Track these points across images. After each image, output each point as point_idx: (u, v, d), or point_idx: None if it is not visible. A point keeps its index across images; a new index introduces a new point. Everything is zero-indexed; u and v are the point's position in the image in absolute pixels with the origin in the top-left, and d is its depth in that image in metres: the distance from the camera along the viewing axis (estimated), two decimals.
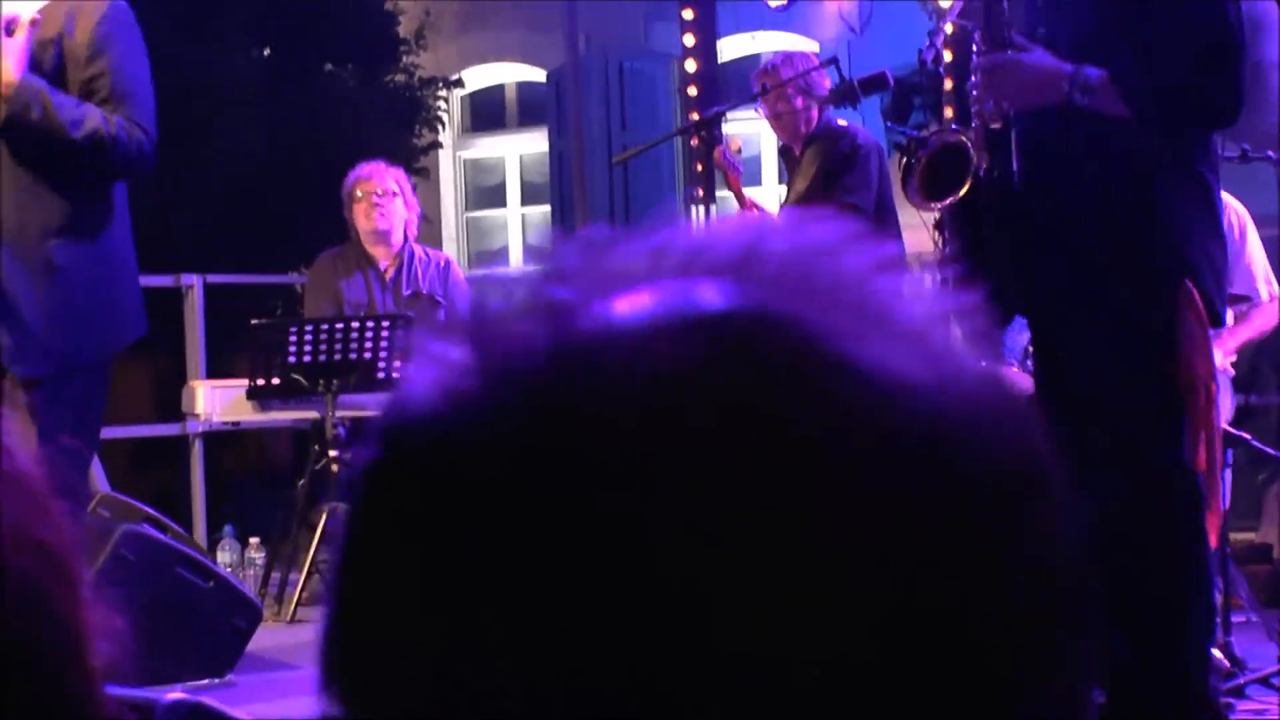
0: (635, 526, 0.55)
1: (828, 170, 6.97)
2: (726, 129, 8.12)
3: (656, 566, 0.55)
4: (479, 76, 14.27)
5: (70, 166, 4.86)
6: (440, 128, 13.27)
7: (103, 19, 4.87)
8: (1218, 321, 4.17)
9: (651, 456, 0.56)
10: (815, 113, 7.05)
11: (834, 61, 7.09)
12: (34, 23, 4.79)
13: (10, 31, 4.76)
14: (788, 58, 7.35)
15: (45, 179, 4.86)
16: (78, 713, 0.76)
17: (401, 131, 12.60)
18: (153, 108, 5.03)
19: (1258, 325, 6.26)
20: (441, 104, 13.24)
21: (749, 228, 0.64)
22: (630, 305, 0.60)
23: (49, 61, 4.84)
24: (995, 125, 4.18)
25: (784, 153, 7.44)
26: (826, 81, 7.10)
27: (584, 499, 0.56)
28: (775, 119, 7.17)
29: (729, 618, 0.55)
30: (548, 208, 13.73)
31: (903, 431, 0.57)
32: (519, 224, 14.31)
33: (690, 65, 10.95)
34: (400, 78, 12.89)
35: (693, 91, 10.79)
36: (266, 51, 12.52)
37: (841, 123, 7.16)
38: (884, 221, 6.87)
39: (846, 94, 6.94)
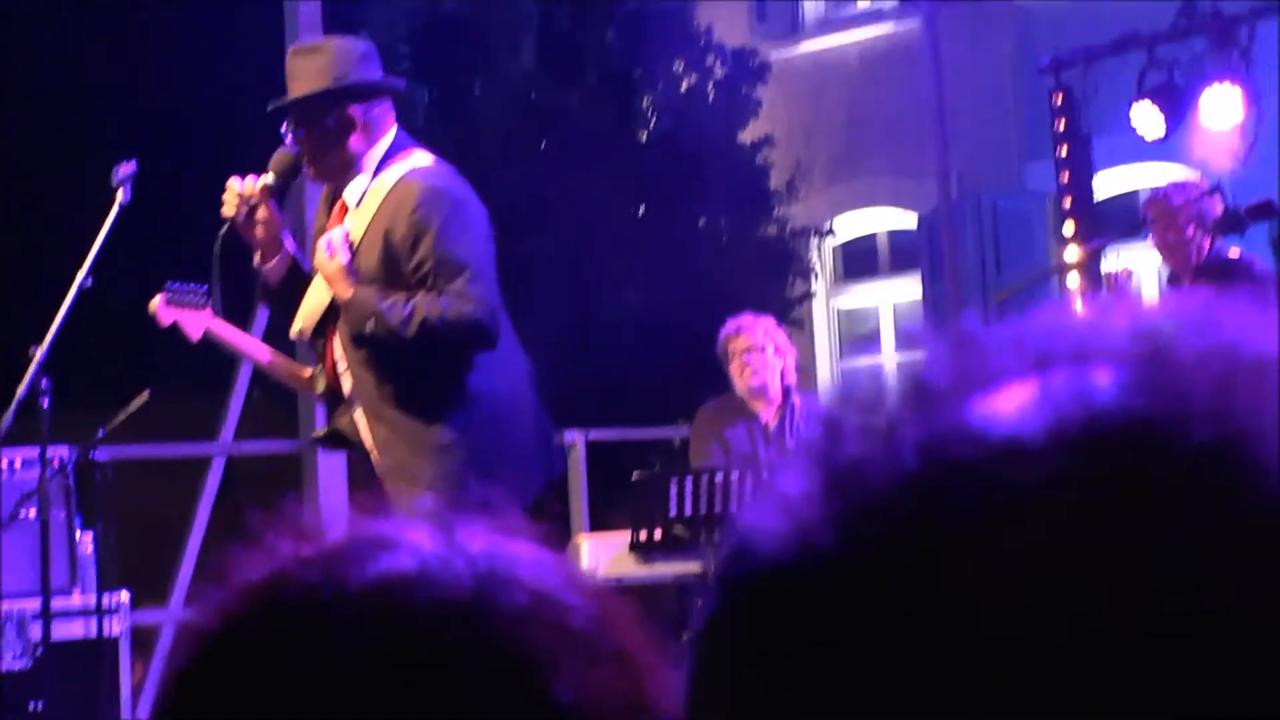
0: (1014, 691, 0.47)
1: None
2: (1105, 265, 7.94)
3: None
4: (850, 224, 14.30)
5: (425, 359, 5.03)
6: (813, 277, 13.33)
7: (417, 204, 5.02)
8: None
9: (1038, 615, 0.47)
10: (1206, 242, 6.87)
11: (1218, 189, 6.91)
12: (349, 243, 5.03)
13: (333, 253, 5.00)
14: (1179, 186, 7.21)
15: (408, 372, 5.06)
16: None
17: (774, 282, 12.70)
18: (486, 273, 5.08)
19: None
20: (813, 253, 13.31)
21: (1148, 308, 0.53)
22: (1009, 411, 0.51)
23: (377, 260, 5.04)
24: None
25: (1171, 282, 7.26)
26: (1218, 210, 6.93)
27: (955, 664, 0.48)
28: (1165, 248, 7.00)
29: None
30: (923, 354, 13.61)
31: None
32: (894, 371, 14.22)
33: (1066, 202, 10.78)
34: (772, 229, 13.03)
35: (1069, 229, 10.60)
36: (641, 209, 12.79)
37: (1234, 252, 6.95)
38: None
39: (1232, 222, 6.74)
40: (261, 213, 5.11)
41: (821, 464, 0.54)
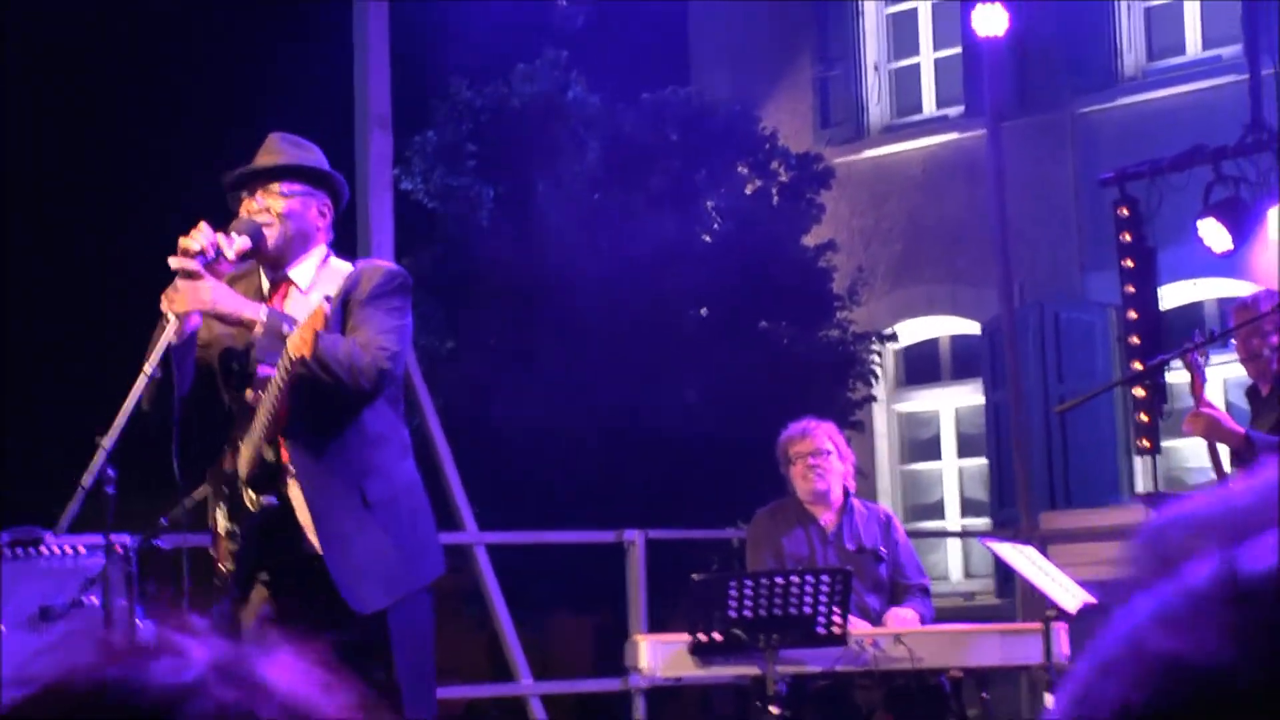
0: None
1: None
2: (1170, 377, 7.89)
3: None
4: (912, 330, 14.30)
5: (350, 403, 5.11)
6: (874, 381, 13.31)
7: (385, 277, 5.23)
8: None
9: None
10: None
11: None
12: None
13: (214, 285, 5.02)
14: (1269, 294, 7.15)
15: (328, 417, 5.11)
16: None
17: (836, 385, 12.68)
18: (395, 350, 5.18)
19: None
20: (875, 358, 13.30)
21: None
22: None
23: (333, 316, 5.13)
24: None
25: (1250, 393, 7.20)
26: None
27: None
28: (1249, 356, 6.96)
29: None
30: (984, 460, 13.56)
31: None
32: (955, 477, 14.15)
33: (1131, 314, 10.76)
34: (834, 333, 13.02)
35: (1134, 340, 10.57)
36: (704, 310, 12.82)
37: None
38: None
39: None
40: (225, 268, 5.11)
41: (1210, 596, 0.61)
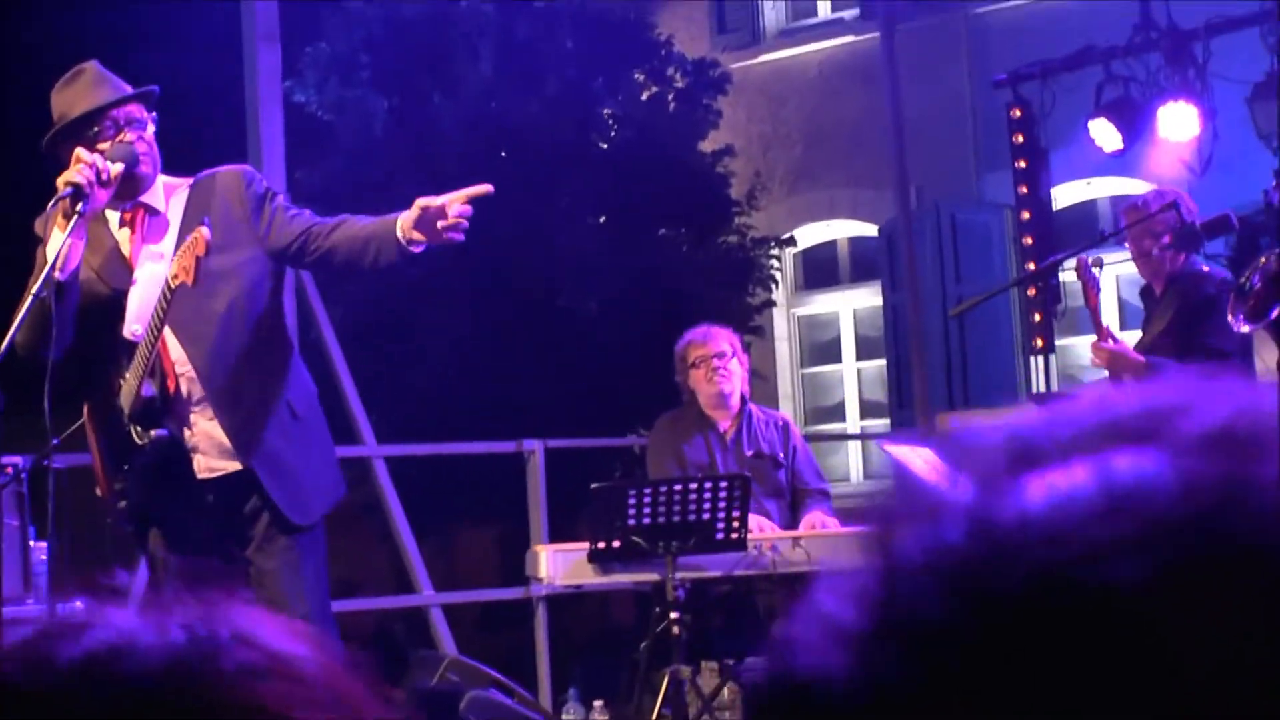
0: None
1: (1191, 311, 6.79)
2: (1063, 276, 7.95)
3: None
4: (810, 234, 14.34)
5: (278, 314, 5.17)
6: (774, 286, 13.35)
7: (252, 186, 5.21)
8: None
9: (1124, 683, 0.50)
10: (1181, 254, 6.91)
11: (1174, 205, 6.92)
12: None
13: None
14: (1158, 194, 7.21)
15: (257, 335, 5.09)
16: None
17: (735, 291, 12.71)
18: None
19: None
20: (774, 262, 13.33)
21: (1154, 390, 0.57)
22: (1045, 496, 0.54)
23: (222, 240, 5.06)
24: None
25: (1144, 293, 7.28)
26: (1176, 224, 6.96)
27: None
28: (1141, 256, 7.02)
29: None
30: (883, 362, 13.65)
31: None
32: (854, 379, 14.25)
33: (1024, 215, 10.83)
34: (733, 238, 13.04)
35: (1028, 241, 10.65)
36: (602, 219, 12.79)
37: (1205, 266, 7.00)
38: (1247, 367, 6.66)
39: (1189, 237, 6.77)
40: (102, 195, 5.00)
41: (875, 592, 0.55)
